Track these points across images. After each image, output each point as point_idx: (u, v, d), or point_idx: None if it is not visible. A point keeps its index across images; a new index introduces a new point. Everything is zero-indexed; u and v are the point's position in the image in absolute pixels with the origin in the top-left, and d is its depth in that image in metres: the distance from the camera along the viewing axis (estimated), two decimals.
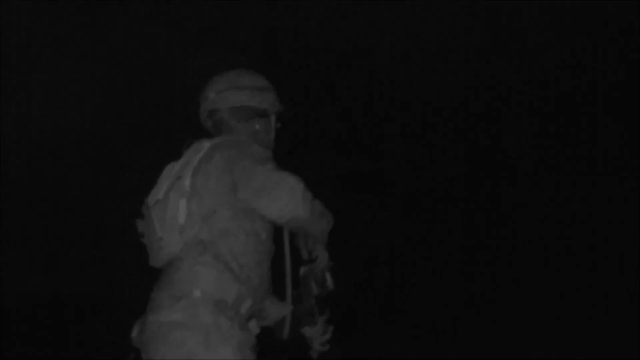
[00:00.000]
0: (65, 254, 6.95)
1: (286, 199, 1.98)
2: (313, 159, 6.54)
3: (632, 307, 5.62)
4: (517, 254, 7.74)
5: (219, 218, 2.02)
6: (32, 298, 6.58)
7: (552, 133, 7.46)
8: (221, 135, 2.25)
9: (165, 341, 1.91)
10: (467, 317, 5.90)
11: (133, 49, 6.68)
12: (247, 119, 2.24)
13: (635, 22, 6.45)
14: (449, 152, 7.87)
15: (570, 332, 5.23)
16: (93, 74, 6.82)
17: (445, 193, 8.04)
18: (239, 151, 2.08)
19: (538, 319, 5.82)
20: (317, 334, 2.19)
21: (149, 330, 1.95)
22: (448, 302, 6.75)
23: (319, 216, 2.09)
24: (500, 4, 6.59)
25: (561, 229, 7.48)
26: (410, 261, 7.91)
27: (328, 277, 2.20)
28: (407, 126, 7.60)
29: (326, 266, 2.20)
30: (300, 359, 2.25)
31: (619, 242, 7.02)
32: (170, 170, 2.17)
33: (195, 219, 2.01)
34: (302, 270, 2.22)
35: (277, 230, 2.16)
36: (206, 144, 2.14)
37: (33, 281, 6.98)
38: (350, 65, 7.12)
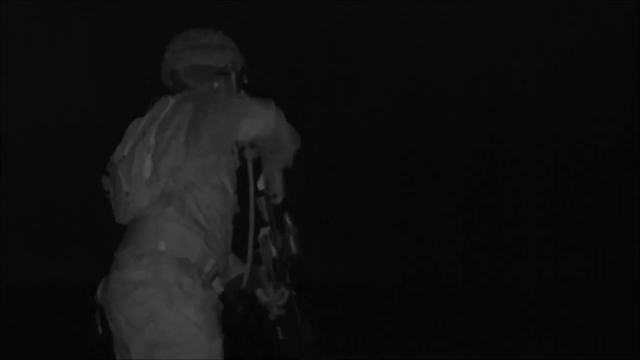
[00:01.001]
0: (66, 249, 6.97)
1: (266, 111, 2.04)
2: (313, 158, 6.53)
3: (632, 307, 5.63)
4: (517, 253, 7.75)
5: (185, 171, 1.99)
6: (32, 293, 6.59)
7: (552, 133, 7.47)
8: None
9: (128, 299, 1.89)
10: (467, 317, 5.92)
11: (133, 49, 6.68)
12: (205, 77, 2.19)
13: (635, 22, 6.45)
14: (449, 152, 7.87)
15: (570, 332, 5.24)
16: (93, 74, 6.82)
17: (446, 193, 8.05)
18: (206, 97, 2.08)
19: (538, 318, 5.83)
20: (272, 298, 2.16)
21: (112, 288, 1.93)
22: (448, 301, 6.76)
23: (292, 131, 2.15)
24: (500, 4, 6.59)
25: (561, 228, 7.48)
26: (411, 261, 7.91)
27: (291, 241, 2.17)
28: (406, 125, 7.60)
29: (289, 230, 2.18)
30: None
31: (619, 242, 7.03)
32: (136, 126, 2.12)
33: (162, 173, 1.99)
34: (263, 231, 2.19)
35: (242, 194, 2.13)
36: (171, 100, 2.11)
37: (32, 281, 6.99)
38: (350, 65, 7.12)
